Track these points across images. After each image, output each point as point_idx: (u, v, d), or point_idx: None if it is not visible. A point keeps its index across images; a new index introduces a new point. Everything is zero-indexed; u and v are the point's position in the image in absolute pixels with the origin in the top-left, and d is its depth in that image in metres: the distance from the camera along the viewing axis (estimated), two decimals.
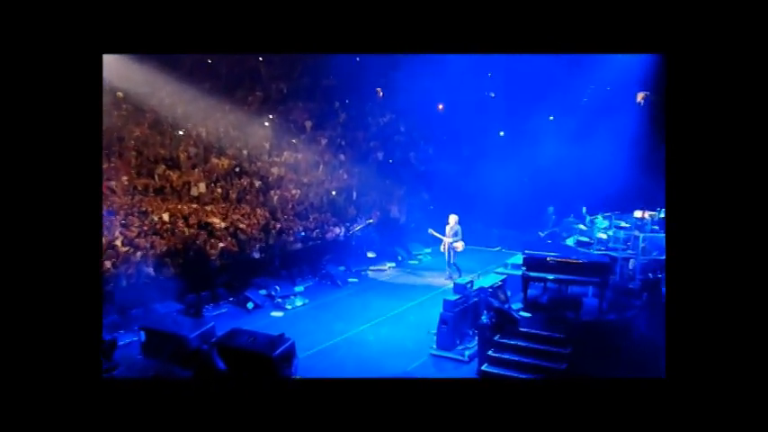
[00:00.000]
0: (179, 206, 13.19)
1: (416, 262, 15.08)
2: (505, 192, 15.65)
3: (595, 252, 10.09)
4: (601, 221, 11.53)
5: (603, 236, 10.88)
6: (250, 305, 11.00)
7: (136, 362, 7.63)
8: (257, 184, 15.60)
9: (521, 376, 7.42)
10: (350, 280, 13.11)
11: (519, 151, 16.47)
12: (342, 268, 13.49)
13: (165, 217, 12.33)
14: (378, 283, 13.13)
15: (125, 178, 13.28)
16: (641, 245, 9.80)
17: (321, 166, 17.51)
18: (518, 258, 10.36)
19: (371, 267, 14.09)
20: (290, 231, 13.87)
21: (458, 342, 8.77)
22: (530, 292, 9.04)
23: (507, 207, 15.88)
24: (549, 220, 14.94)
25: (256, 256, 12.63)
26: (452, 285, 9.43)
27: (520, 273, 9.12)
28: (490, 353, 7.91)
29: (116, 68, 13.66)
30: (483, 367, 7.89)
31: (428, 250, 15.36)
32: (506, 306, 8.58)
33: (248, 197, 14.86)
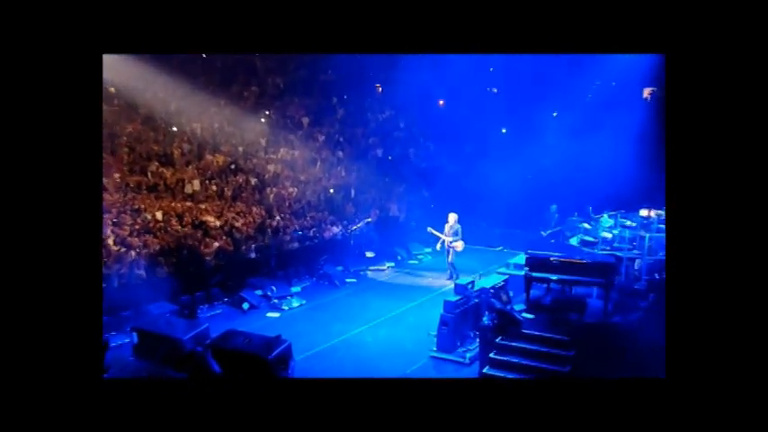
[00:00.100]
0: (173, 204, 13.16)
1: (416, 262, 15.08)
2: (508, 190, 15.65)
3: (600, 252, 10.08)
4: (606, 220, 11.54)
5: (608, 235, 10.88)
6: (245, 306, 10.99)
7: (128, 364, 7.61)
8: (253, 181, 15.57)
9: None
10: (348, 280, 13.10)
11: (521, 148, 16.47)
12: (340, 268, 13.49)
13: (159, 215, 12.30)
14: (377, 284, 13.13)
15: (117, 175, 13.24)
16: (647, 244, 9.80)
17: (318, 163, 17.49)
18: (520, 258, 10.36)
19: (370, 267, 14.09)
20: (287, 230, 13.86)
21: (459, 344, 8.76)
22: (532, 292, 9.04)
23: (509, 205, 15.88)
24: (552, 219, 14.96)
25: (252, 255, 12.62)
26: (453, 286, 9.41)
27: (522, 273, 9.10)
28: (492, 355, 7.90)
29: (108, 63, 13.49)
30: (484, 370, 7.88)
31: (428, 250, 15.35)
32: (508, 307, 8.57)
33: (244, 195, 14.83)
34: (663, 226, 10.11)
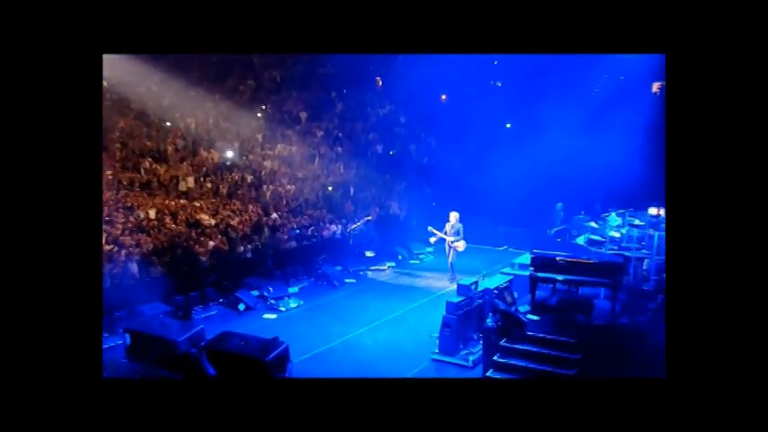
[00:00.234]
0: (166, 202, 13.18)
1: (417, 261, 15.09)
2: (512, 187, 15.64)
3: (608, 251, 10.08)
4: (613, 219, 11.52)
5: (616, 234, 10.87)
6: (241, 307, 11.01)
7: (120, 366, 7.63)
8: (249, 178, 15.59)
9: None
10: (347, 280, 13.11)
11: (526, 144, 16.46)
12: (338, 268, 13.50)
13: (152, 213, 12.33)
14: (376, 284, 13.14)
15: (109, 172, 13.25)
16: (656, 244, 9.80)
17: (317, 160, 17.50)
18: (525, 258, 10.35)
19: (370, 267, 14.10)
20: (284, 229, 13.87)
21: (461, 347, 8.77)
22: (538, 293, 9.03)
23: (514, 203, 15.88)
24: (558, 218, 14.96)
25: (248, 254, 12.63)
26: (456, 287, 9.42)
27: (527, 273, 9.10)
28: (496, 358, 7.91)
29: None
30: (488, 373, 7.89)
31: (430, 249, 15.35)
32: (513, 308, 8.57)
33: (239, 192, 14.85)
34: None
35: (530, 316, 8.52)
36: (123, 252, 10.60)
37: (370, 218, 15.16)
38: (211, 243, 12.07)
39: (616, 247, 10.35)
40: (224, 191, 14.64)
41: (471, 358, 8.52)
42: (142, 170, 14.16)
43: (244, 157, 16.37)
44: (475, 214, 14.69)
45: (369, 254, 14.65)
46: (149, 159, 14.56)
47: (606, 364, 7.24)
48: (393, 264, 14.60)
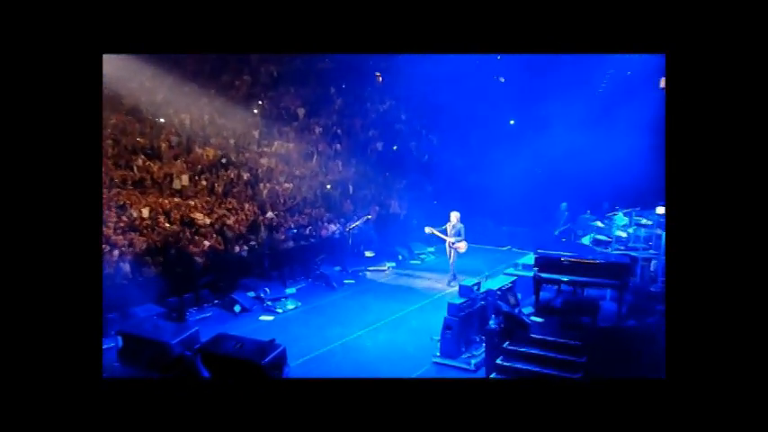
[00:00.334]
0: (160, 200, 13.18)
1: (418, 262, 15.10)
2: (516, 185, 15.65)
3: (614, 252, 10.09)
4: (620, 218, 11.54)
5: (623, 234, 10.88)
6: (237, 308, 11.00)
7: (113, 369, 7.63)
8: (245, 176, 15.59)
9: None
10: (346, 281, 13.11)
11: (531, 141, 16.46)
12: (337, 268, 13.50)
13: (145, 212, 12.32)
14: (376, 285, 13.13)
15: None
16: (664, 244, 9.80)
17: (315, 157, 17.50)
18: (529, 258, 10.38)
19: (369, 268, 14.10)
20: (281, 228, 13.87)
21: (463, 349, 8.77)
22: (542, 295, 9.05)
23: (518, 202, 15.89)
24: (562, 218, 14.95)
25: (244, 254, 12.63)
26: (457, 288, 9.42)
27: (531, 274, 9.12)
28: (498, 361, 7.91)
29: None
30: (491, 377, 7.89)
31: (431, 249, 15.38)
32: (516, 310, 8.58)
33: (235, 191, 14.86)
34: None
35: (533, 318, 8.53)
36: (115, 252, 10.59)
37: (369, 217, 15.16)
38: (206, 243, 12.07)
39: (623, 248, 10.37)
40: (219, 189, 14.64)
41: (473, 361, 8.52)
42: (135, 168, 14.15)
43: (240, 155, 16.36)
44: (477, 213, 14.70)
45: (368, 254, 14.66)
46: (142, 156, 14.56)
47: (612, 368, 7.24)
48: (393, 264, 14.61)
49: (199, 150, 15.80)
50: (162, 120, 16.27)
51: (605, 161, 14.45)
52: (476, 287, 9.13)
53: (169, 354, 7.43)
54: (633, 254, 9.86)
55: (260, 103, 18.64)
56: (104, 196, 12.37)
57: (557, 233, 13.66)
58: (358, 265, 13.98)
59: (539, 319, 8.49)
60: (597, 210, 13.48)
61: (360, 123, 19.34)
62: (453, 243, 12.48)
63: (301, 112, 18.88)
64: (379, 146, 18.86)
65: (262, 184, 15.51)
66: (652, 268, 9.94)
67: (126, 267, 10.54)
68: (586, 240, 11.36)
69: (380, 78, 20.33)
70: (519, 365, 7.80)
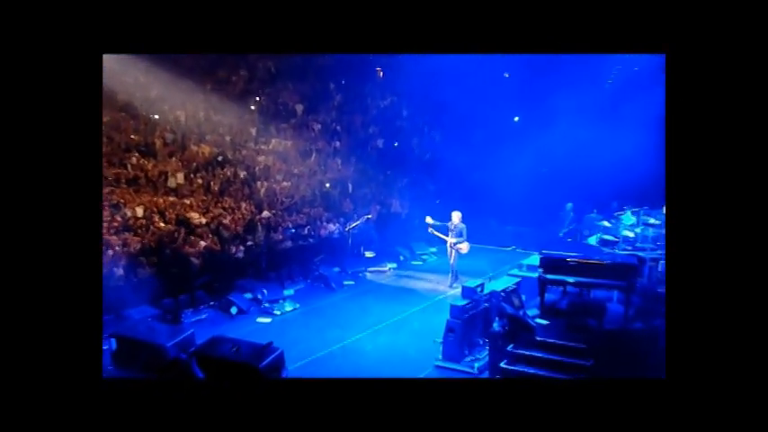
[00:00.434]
0: (154, 199, 13.19)
1: (420, 263, 15.12)
2: (520, 184, 15.67)
3: (621, 252, 10.10)
4: (627, 218, 11.55)
5: (630, 234, 10.90)
6: (234, 310, 11.02)
7: (107, 373, 7.64)
8: (242, 174, 15.60)
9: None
10: (345, 282, 13.14)
11: (536, 138, 16.47)
12: (336, 269, 13.53)
13: (139, 211, 12.33)
14: (377, 286, 13.16)
15: None
16: None
17: (314, 155, 17.51)
18: (534, 259, 10.37)
19: (370, 268, 14.12)
20: (279, 228, 13.88)
21: (466, 353, 8.78)
22: (547, 296, 9.05)
23: (522, 201, 15.90)
24: (567, 218, 14.97)
25: (241, 255, 12.65)
26: (460, 290, 9.44)
27: (536, 275, 9.12)
28: (502, 365, 7.91)
29: None
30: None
31: (433, 250, 15.39)
32: (521, 312, 8.59)
33: (232, 189, 14.86)
34: None
35: (538, 320, 8.54)
36: (109, 252, 10.61)
37: (369, 216, 15.18)
38: (202, 243, 12.09)
39: (630, 248, 10.38)
40: (215, 188, 14.65)
41: (477, 365, 8.54)
42: (129, 165, 14.15)
43: (236, 152, 16.37)
44: (481, 213, 14.71)
45: (368, 254, 14.68)
46: (136, 154, 14.55)
47: (619, 372, 7.25)
48: (394, 265, 14.62)
49: (194, 148, 15.80)
50: (156, 116, 16.24)
51: (612, 158, 14.46)
52: (479, 289, 9.14)
53: (164, 357, 7.45)
54: (641, 254, 9.87)
55: (257, 99, 18.63)
56: None
57: (561, 234, 13.67)
58: (358, 266, 14.00)
59: (544, 322, 8.50)
60: (604, 209, 13.48)
61: (360, 120, 19.35)
62: (455, 244, 12.50)
63: (300, 108, 18.88)
64: (380, 143, 18.88)
65: (259, 183, 15.52)
66: (660, 269, 9.94)
67: (120, 268, 10.56)
68: (593, 240, 11.37)
69: (381, 74, 20.33)
70: (523, 369, 7.81)
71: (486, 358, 8.37)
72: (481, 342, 8.93)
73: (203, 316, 10.93)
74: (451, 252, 12.61)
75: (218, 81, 18.11)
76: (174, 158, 15.09)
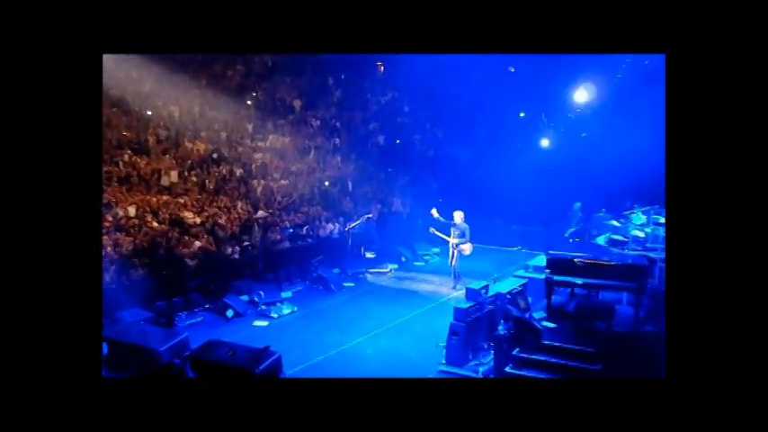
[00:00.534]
0: (147, 198, 13.19)
1: (422, 263, 15.12)
2: (526, 182, 15.64)
3: (631, 252, 10.08)
4: (637, 217, 11.54)
5: (640, 234, 10.88)
6: (230, 313, 11.02)
7: None
8: (238, 172, 15.60)
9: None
10: (345, 284, 13.14)
11: (542, 135, 16.44)
12: (336, 270, 13.53)
13: (132, 211, 12.33)
14: (377, 288, 13.16)
15: None
16: None
17: (312, 152, 17.51)
18: (541, 260, 10.36)
19: (370, 269, 14.13)
20: (276, 228, 13.88)
21: (470, 357, 8.77)
22: (554, 298, 9.05)
23: (528, 200, 15.88)
24: (574, 218, 14.94)
25: (237, 256, 12.64)
26: (464, 291, 9.43)
27: (543, 276, 9.11)
28: (508, 369, 7.92)
29: None
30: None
31: (436, 250, 15.37)
32: (527, 315, 8.58)
33: (227, 188, 14.87)
34: None
35: (545, 323, 8.53)
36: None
37: (370, 216, 15.18)
38: (197, 243, 12.08)
39: (640, 248, 10.36)
40: (210, 186, 14.66)
41: (481, 369, 8.52)
42: (120, 163, 14.15)
43: (232, 149, 16.36)
44: (485, 212, 14.70)
45: (369, 255, 14.69)
46: (128, 151, 14.55)
47: (628, 376, 7.24)
48: (396, 266, 14.63)
49: (188, 145, 15.80)
50: (149, 112, 16.25)
51: (622, 156, 14.43)
52: (484, 290, 9.13)
53: (157, 361, 7.46)
54: (651, 255, 9.83)
55: (254, 94, 18.63)
56: None
57: (567, 235, 13.65)
58: (358, 267, 14.00)
59: (551, 325, 8.49)
60: (614, 208, 13.46)
61: (360, 116, 19.35)
62: (457, 244, 12.48)
63: (298, 104, 18.88)
64: (381, 140, 18.87)
65: (255, 181, 15.52)
66: None
67: (112, 270, 10.55)
68: (601, 240, 11.36)
69: (382, 68, 20.31)
70: (529, 373, 7.80)
71: (491, 362, 8.36)
72: (486, 346, 8.93)
73: (198, 319, 10.93)
74: (453, 253, 12.60)
75: (214, 76, 18.11)
76: (167, 156, 15.09)
